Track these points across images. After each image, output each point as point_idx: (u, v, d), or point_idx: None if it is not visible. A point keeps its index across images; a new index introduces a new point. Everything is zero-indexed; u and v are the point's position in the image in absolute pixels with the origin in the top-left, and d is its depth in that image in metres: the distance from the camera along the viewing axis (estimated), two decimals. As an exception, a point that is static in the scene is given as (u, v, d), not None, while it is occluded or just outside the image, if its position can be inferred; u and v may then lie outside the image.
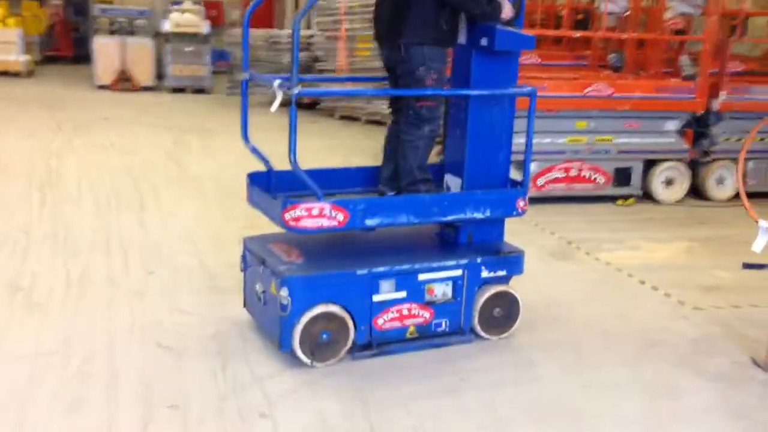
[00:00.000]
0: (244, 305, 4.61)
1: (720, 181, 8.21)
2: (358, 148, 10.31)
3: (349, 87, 8.79)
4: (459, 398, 3.84)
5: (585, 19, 10.62)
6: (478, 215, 4.32)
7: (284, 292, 3.95)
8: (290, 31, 16.95)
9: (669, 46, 8.83)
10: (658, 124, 7.88)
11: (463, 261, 4.32)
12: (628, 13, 8.96)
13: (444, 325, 4.37)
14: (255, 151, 4.47)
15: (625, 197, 7.96)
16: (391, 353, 4.23)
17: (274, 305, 4.05)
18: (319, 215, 3.91)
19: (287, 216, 3.90)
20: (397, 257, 4.25)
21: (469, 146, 4.41)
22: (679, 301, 5.25)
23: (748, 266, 4.70)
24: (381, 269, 4.13)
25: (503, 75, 4.39)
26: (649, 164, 7.97)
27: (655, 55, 8.45)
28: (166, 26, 15.66)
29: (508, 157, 4.55)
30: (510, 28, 4.20)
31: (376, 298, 4.15)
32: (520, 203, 4.42)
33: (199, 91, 15.80)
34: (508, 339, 4.51)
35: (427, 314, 4.30)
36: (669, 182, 8.04)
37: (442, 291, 4.32)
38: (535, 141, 7.44)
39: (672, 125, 7.92)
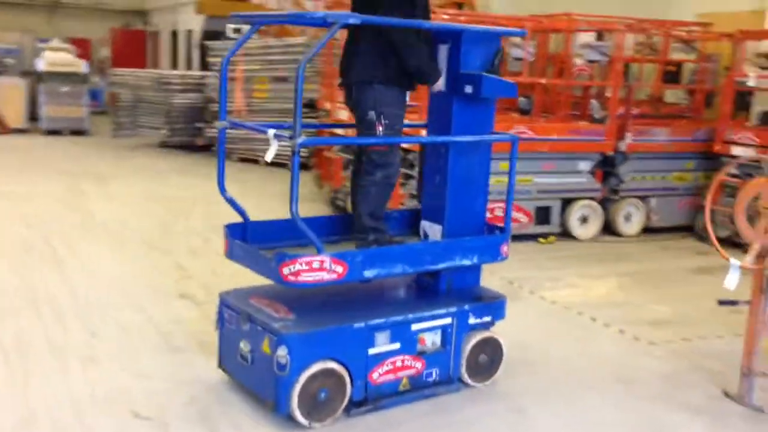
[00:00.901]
0: (219, 365, 4.34)
1: (628, 218, 8.63)
2: (267, 191, 10.08)
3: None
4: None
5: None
6: (467, 262, 4.30)
7: (282, 351, 3.74)
8: (182, 71, 16.37)
9: (574, 91, 9.24)
10: (572, 164, 8.21)
11: (453, 309, 4.27)
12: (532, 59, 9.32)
13: (434, 375, 4.28)
14: (232, 202, 4.26)
15: (546, 235, 8.21)
16: (384, 408, 4.09)
17: (267, 365, 3.83)
18: (319, 269, 3.75)
19: (285, 270, 3.71)
20: (387, 308, 4.14)
21: (449, 193, 4.39)
22: (634, 337, 5.42)
23: (723, 303, 4.91)
24: (377, 321, 4.00)
25: (482, 121, 4.44)
26: (566, 203, 8.27)
27: (563, 99, 8.83)
28: (41, 65, 14.79)
29: (485, 203, 4.57)
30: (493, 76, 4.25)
31: (371, 351, 4.01)
32: (504, 248, 4.44)
33: (78, 132, 14.99)
34: (491, 386, 4.48)
35: (419, 365, 4.20)
36: (584, 219, 8.37)
37: (431, 340, 4.25)
38: None
39: (584, 165, 8.27)
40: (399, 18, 3.87)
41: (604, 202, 8.51)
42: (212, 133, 12.61)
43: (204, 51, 15.67)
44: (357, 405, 4.01)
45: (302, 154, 11.70)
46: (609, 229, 8.58)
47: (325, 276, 3.78)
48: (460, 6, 11.48)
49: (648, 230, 8.69)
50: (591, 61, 8.63)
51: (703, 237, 8.52)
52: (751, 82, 8.28)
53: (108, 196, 9.63)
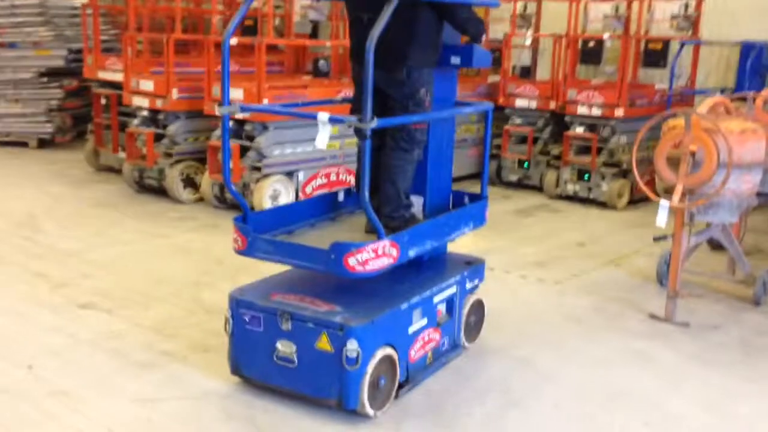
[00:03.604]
0: (235, 372, 3.98)
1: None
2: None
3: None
4: (524, 407, 3.99)
5: (254, 26, 10.65)
6: (467, 229, 4.43)
7: (353, 345, 3.58)
8: None
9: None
10: (388, 124, 8.52)
11: (457, 277, 4.39)
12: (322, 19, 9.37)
13: (446, 343, 4.39)
14: (237, 195, 3.91)
15: (374, 195, 8.45)
16: (418, 384, 4.12)
17: (325, 362, 3.65)
18: (383, 254, 3.63)
19: (352, 261, 3.53)
20: (412, 285, 4.12)
21: (429, 165, 4.45)
22: (538, 280, 5.99)
23: (657, 239, 5.62)
24: (415, 299, 3.99)
25: (452, 92, 4.54)
26: (386, 162, 8.58)
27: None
28: None
29: (451, 172, 4.70)
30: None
31: (410, 330, 4.00)
32: (486, 213, 4.64)
33: None
34: (480, 344, 4.70)
35: (437, 336, 4.27)
36: (402, 176, 8.77)
37: (444, 310, 4.34)
38: (299, 150, 7.62)
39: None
40: None
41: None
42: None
43: None
44: (401, 386, 3.98)
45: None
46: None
47: (386, 261, 3.67)
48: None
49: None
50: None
51: (494, 182, 9.45)
52: (527, 41, 9.31)
53: None
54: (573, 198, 8.67)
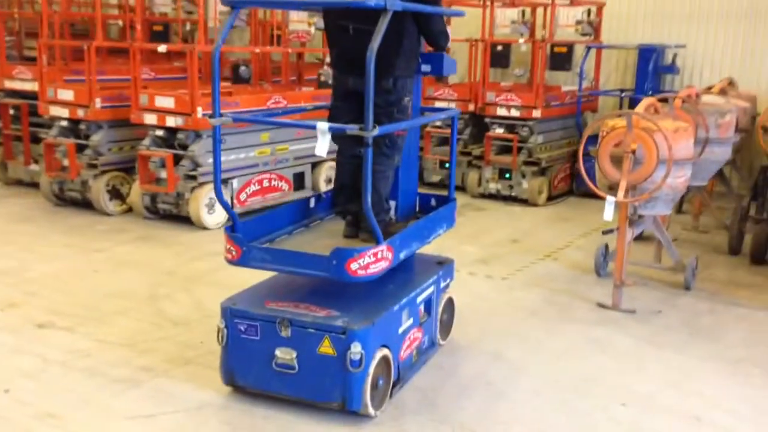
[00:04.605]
0: (229, 383, 3.98)
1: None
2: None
3: None
4: (508, 398, 4.19)
5: (165, 31, 10.43)
6: (441, 231, 4.59)
7: (356, 347, 3.67)
8: None
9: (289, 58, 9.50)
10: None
11: (434, 277, 4.54)
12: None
13: (426, 341, 4.53)
14: (226, 206, 3.91)
15: (304, 200, 8.50)
16: (406, 383, 4.25)
17: (327, 366, 3.72)
18: (381, 258, 3.74)
19: (354, 266, 3.62)
20: (396, 287, 4.24)
21: (402, 169, 4.58)
22: (487, 276, 6.24)
23: (606, 232, 5.92)
24: (404, 300, 4.11)
25: (418, 99, 4.68)
26: (314, 167, 8.64)
27: (285, 66, 9.06)
28: None
29: (417, 176, 4.84)
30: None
31: (400, 330, 4.12)
32: (455, 215, 4.81)
33: None
34: (451, 340, 4.87)
35: (420, 335, 4.41)
36: (329, 180, 8.85)
37: (424, 309, 4.48)
38: (232, 157, 7.62)
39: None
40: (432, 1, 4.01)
41: (341, 162, 9.07)
42: None
43: None
44: (393, 386, 4.09)
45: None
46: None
47: (384, 264, 3.77)
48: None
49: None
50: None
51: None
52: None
53: None
54: (496, 196, 9.02)
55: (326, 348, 3.72)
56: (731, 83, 8.18)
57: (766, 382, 4.50)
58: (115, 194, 7.92)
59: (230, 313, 3.90)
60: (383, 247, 3.75)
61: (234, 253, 3.85)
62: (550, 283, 6.14)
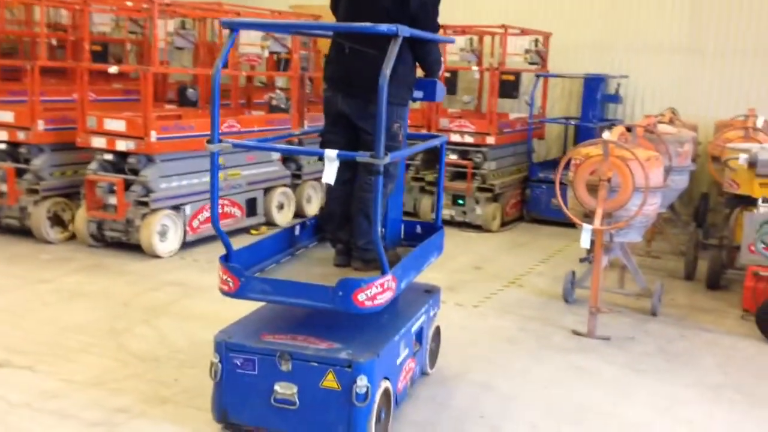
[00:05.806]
0: (222, 420, 3.74)
1: (308, 200, 9.15)
2: None
3: None
4: (502, 429, 4.08)
5: (104, 51, 10.04)
6: (433, 259, 4.47)
7: (362, 381, 3.50)
8: None
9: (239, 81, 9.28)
10: (267, 154, 8.36)
11: (425, 306, 4.42)
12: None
13: (417, 371, 4.40)
14: (222, 235, 3.69)
15: (257, 226, 8.26)
16: (399, 412, 4.10)
17: (330, 401, 3.54)
18: (387, 288, 3.59)
19: (361, 297, 3.47)
20: (393, 317, 4.09)
21: (391, 196, 4.46)
22: (456, 304, 6.15)
23: (583, 260, 5.89)
24: (402, 330, 3.97)
25: (406, 126, 4.58)
26: (265, 192, 8.41)
27: (234, 89, 8.84)
28: None
29: (402, 203, 4.73)
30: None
31: (398, 361, 3.98)
32: (444, 242, 4.71)
33: None
34: (438, 370, 4.75)
35: (413, 365, 4.27)
36: (281, 206, 8.63)
37: (416, 339, 4.35)
38: (184, 182, 7.35)
39: (275, 154, 8.50)
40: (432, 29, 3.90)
41: (294, 188, 8.88)
42: None
43: None
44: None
45: None
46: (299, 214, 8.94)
47: (389, 295, 3.63)
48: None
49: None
50: (273, 52, 8.80)
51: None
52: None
53: None
54: (450, 222, 8.97)
55: (330, 382, 3.54)
56: (674, 113, 8.42)
57: (751, 408, 4.54)
58: (57, 221, 7.50)
59: (225, 347, 3.67)
60: (389, 277, 3.60)
61: (231, 284, 3.63)
62: (521, 310, 6.10)
